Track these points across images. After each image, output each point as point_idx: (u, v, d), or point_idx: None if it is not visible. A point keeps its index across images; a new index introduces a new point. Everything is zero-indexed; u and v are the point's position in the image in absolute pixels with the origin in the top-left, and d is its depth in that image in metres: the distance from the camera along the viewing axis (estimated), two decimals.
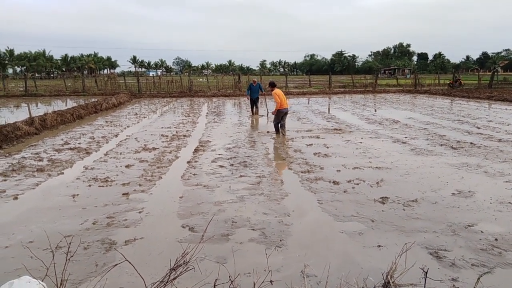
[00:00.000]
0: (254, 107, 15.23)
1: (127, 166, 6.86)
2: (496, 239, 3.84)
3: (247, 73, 69.16)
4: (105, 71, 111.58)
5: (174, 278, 2.35)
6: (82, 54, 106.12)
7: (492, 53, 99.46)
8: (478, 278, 3.00)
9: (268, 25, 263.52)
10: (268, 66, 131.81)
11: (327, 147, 8.43)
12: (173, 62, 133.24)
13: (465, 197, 5.10)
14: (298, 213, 4.64)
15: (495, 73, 38.21)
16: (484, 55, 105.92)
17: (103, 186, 5.75)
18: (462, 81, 32.65)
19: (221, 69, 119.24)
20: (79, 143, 9.10)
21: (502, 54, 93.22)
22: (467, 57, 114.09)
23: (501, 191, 5.32)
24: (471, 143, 8.77)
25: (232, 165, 6.94)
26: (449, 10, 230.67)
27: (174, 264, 2.37)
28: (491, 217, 4.41)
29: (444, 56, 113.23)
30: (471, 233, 4.01)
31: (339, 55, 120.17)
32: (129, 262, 2.28)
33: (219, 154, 7.85)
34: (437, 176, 6.11)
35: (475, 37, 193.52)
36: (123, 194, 5.35)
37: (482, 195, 5.15)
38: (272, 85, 10.54)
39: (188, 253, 2.43)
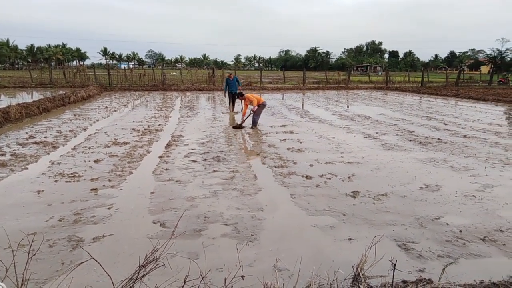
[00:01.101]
0: (231, 104, 14.42)
1: (96, 161, 6.65)
2: (460, 231, 3.98)
3: (222, 67, 68.72)
4: (74, 62, 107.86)
5: (144, 275, 2.29)
6: (49, 44, 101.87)
7: (459, 52, 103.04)
8: (443, 269, 3.11)
9: (244, 19, 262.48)
10: (243, 60, 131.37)
11: (301, 142, 8.49)
12: (146, 55, 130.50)
13: (432, 191, 5.27)
14: (271, 207, 4.64)
15: (462, 72, 39.77)
16: (452, 54, 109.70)
17: (70, 181, 5.55)
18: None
19: (195, 63, 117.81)
20: (45, 137, 8.74)
21: (468, 53, 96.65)
22: (436, 56, 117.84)
23: (466, 185, 5.53)
24: (439, 138, 9.08)
25: (205, 160, 6.87)
26: (419, 10, 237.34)
27: (144, 261, 2.31)
28: (456, 210, 4.58)
29: (414, 55, 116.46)
30: (437, 225, 4.14)
31: (313, 51, 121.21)
32: (95, 260, 2.20)
33: (192, 149, 7.74)
34: (406, 170, 6.28)
35: (444, 37, 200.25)
36: (91, 189, 5.18)
37: (448, 189, 5.33)
38: (241, 95, 11.10)
39: (158, 249, 2.37)
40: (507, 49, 44.16)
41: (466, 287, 2.76)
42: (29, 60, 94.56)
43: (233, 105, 14.52)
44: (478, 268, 3.28)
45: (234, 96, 14.22)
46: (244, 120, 10.66)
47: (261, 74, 33.34)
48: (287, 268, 3.16)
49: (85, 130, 9.91)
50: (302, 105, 17.54)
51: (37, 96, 19.10)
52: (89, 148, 7.70)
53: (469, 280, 3.00)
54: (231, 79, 14.44)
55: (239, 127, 10.43)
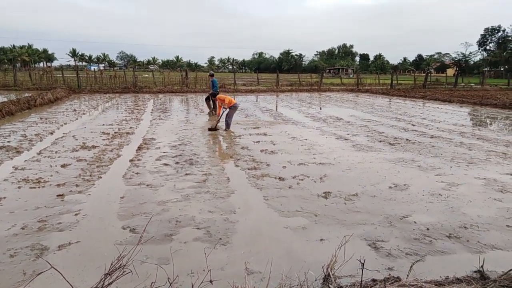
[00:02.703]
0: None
1: (63, 166, 6.42)
2: (427, 229, 4.10)
3: (195, 69, 68.09)
4: (41, 64, 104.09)
5: (110, 283, 2.21)
6: (14, 45, 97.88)
7: (426, 55, 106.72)
8: (411, 266, 3.19)
9: (218, 21, 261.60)
10: (217, 63, 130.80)
11: (274, 144, 8.52)
12: (117, 56, 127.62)
13: (400, 190, 5.41)
14: (244, 210, 4.63)
15: (429, 74, 41.22)
16: (419, 57, 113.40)
17: (35, 187, 5.32)
18: None
19: (168, 65, 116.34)
20: (8, 142, 8.36)
21: (435, 56, 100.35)
22: (404, 58, 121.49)
23: (433, 184, 5.72)
24: (407, 139, 9.35)
25: (177, 163, 6.77)
26: (389, 13, 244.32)
27: (110, 268, 2.23)
28: (423, 208, 4.72)
29: (384, 58, 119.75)
30: (405, 223, 4.25)
31: (286, 54, 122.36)
32: (55, 269, 2.11)
33: (164, 152, 7.62)
34: (376, 171, 6.42)
35: (412, 40, 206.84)
36: (57, 195, 4.98)
37: (416, 188, 5.49)
38: (214, 95, 12.17)
39: (125, 255, 2.30)
40: (471, 53, 46.32)
41: (432, 283, 2.84)
42: None
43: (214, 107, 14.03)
44: (444, 264, 3.39)
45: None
46: (219, 121, 10.62)
47: (235, 77, 33.29)
48: (259, 271, 3.15)
49: (51, 133, 9.55)
50: (276, 107, 17.64)
51: (0, 98, 18.27)
52: (56, 152, 7.42)
53: (435, 276, 3.09)
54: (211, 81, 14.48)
55: (214, 129, 10.34)
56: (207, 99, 14.78)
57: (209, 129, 10.43)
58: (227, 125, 10.51)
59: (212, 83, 14.44)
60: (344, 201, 4.94)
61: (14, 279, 3.02)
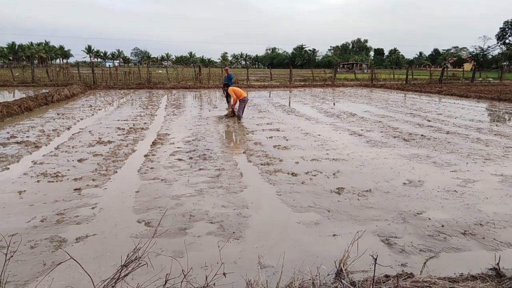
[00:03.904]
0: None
1: (79, 160, 6.56)
2: (442, 226, 4.06)
3: (208, 65, 68.28)
4: (58, 61, 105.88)
5: (126, 275, 2.27)
6: (31, 42, 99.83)
7: (443, 50, 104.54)
8: (425, 263, 3.18)
9: (231, 17, 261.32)
10: (230, 58, 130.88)
11: (287, 140, 8.52)
12: (131, 52, 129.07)
13: (415, 186, 5.36)
14: (257, 205, 4.66)
15: (445, 69, 40.48)
16: (436, 51, 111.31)
17: (53, 181, 5.46)
18: None
19: (182, 61, 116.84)
20: (27, 137, 8.57)
21: (452, 51, 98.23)
22: (420, 53, 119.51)
23: (448, 180, 5.64)
24: (422, 135, 9.23)
25: (191, 158, 6.84)
26: (405, 6, 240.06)
27: (126, 260, 2.29)
28: (438, 205, 4.66)
29: (399, 52, 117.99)
30: (419, 220, 4.22)
31: (300, 49, 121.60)
32: (74, 260, 2.17)
33: (178, 147, 7.70)
34: (390, 167, 6.37)
35: (428, 34, 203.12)
36: (75, 189, 5.10)
37: (431, 184, 5.43)
38: (227, 85, 12.69)
39: (141, 248, 2.36)
40: (489, 47, 45.18)
41: (446, 280, 2.82)
42: (10, 58, 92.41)
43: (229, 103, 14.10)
44: (458, 261, 3.35)
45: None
46: (232, 111, 11.77)
47: (248, 72, 33.30)
48: (272, 265, 3.17)
49: (68, 129, 9.75)
50: (289, 102, 17.59)
51: (19, 95, 18.70)
52: (73, 147, 7.58)
53: (449, 273, 3.06)
54: (227, 75, 14.64)
55: (229, 116, 11.68)
56: (227, 97, 14.87)
57: (225, 116, 11.83)
58: (238, 117, 11.35)
59: (228, 76, 14.75)
60: (357, 197, 4.92)
61: (35, 269, 3.12)
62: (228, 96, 14.59)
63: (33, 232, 3.84)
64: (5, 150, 7.27)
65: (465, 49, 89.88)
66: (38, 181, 5.46)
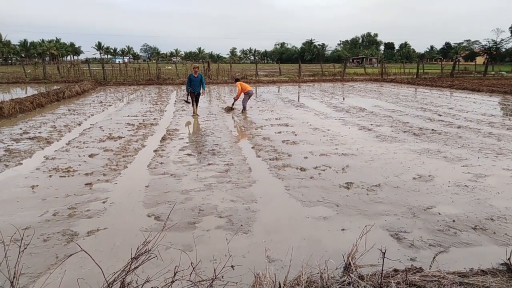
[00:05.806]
0: (194, 105, 12.05)
1: (90, 156, 6.64)
2: (453, 220, 4.02)
3: (217, 60, 68.29)
4: (69, 57, 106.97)
5: (136, 267, 2.30)
6: (43, 39, 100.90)
7: (455, 43, 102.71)
8: (434, 257, 3.16)
9: (239, 11, 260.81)
10: (239, 54, 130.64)
11: (296, 135, 8.51)
12: (141, 49, 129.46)
13: (425, 181, 5.31)
14: (266, 199, 4.67)
15: (457, 63, 39.83)
16: (447, 45, 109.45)
17: (64, 176, 5.54)
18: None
19: (191, 57, 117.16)
20: (39, 132, 8.71)
21: (464, 44, 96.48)
22: (431, 47, 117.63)
23: (459, 175, 5.58)
24: (433, 129, 9.12)
25: (200, 153, 6.87)
26: (415, 0, 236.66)
27: (136, 253, 2.33)
28: (448, 200, 4.62)
29: (410, 46, 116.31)
30: (429, 215, 4.18)
31: (309, 43, 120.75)
32: (85, 252, 2.22)
33: (187, 143, 7.75)
34: (400, 161, 6.32)
35: (439, 28, 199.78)
36: (86, 184, 5.18)
37: (441, 179, 5.37)
38: (236, 80, 13.29)
39: (150, 241, 2.39)
40: (502, 40, 44.25)
41: (455, 274, 2.80)
42: (23, 55, 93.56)
43: (197, 106, 12.22)
44: (468, 256, 3.32)
45: (197, 96, 12.15)
46: (234, 103, 12.95)
47: (257, 67, 33.22)
48: (280, 259, 3.19)
49: (79, 125, 9.87)
50: (298, 97, 17.53)
51: (31, 91, 18.96)
52: (84, 143, 7.68)
53: (459, 268, 3.04)
54: (195, 76, 12.07)
55: (230, 109, 12.68)
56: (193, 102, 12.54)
57: (227, 108, 12.83)
58: (244, 107, 12.46)
59: (197, 77, 12.24)
60: (366, 191, 4.90)
61: (48, 261, 3.19)
62: (197, 101, 12.38)
63: (45, 225, 3.91)
64: (18, 145, 7.40)
65: (477, 42, 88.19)
66: (50, 176, 5.55)
